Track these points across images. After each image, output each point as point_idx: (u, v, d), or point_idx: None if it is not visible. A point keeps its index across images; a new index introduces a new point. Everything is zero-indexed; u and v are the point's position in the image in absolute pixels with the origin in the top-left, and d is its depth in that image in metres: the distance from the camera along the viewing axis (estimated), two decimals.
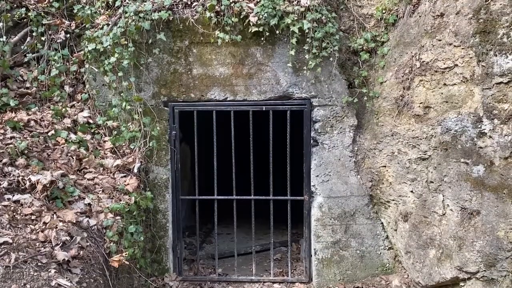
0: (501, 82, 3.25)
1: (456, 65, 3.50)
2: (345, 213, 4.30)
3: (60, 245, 2.77)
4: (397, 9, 4.24)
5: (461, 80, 3.48)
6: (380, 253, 4.33)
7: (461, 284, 3.51)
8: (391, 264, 4.33)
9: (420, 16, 3.88)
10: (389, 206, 4.17)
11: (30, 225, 2.85)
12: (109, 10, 4.25)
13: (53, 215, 2.99)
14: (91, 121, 4.14)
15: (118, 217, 3.37)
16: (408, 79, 3.88)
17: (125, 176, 3.83)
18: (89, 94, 4.23)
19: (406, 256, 3.96)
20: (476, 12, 3.35)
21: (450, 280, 3.54)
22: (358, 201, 4.29)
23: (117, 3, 4.14)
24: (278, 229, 5.99)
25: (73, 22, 4.32)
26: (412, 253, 3.87)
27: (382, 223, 4.32)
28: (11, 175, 3.15)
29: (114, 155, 3.97)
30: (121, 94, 4.10)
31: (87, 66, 4.16)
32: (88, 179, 3.61)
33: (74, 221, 3.02)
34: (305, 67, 4.12)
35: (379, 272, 4.33)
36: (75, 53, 4.28)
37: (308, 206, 4.31)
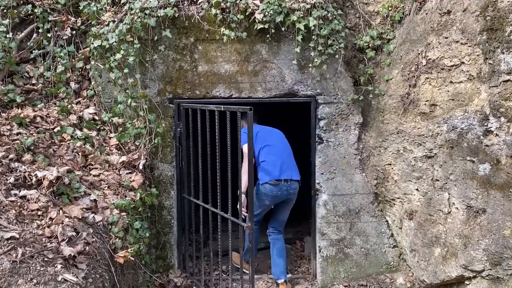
0: (508, 80, 3.23)
1: (463, 62, 3.48)
2: (350, 211, 4.29)
3: (66, 240, 2.78)
4: (403, 7, 4.23)
5: (468, 78, 3.47)
6: (385, 251, 4.33)
7: (466, 282, 3.50)
8: (395, 262, 4.32)
9: (426, 14, 3.86)
10: (394, 204, 4.16)
11: (37, 221, 2.86)
12: (114, 6, 4.25)
13: (59, 210, 3.00)
14: (96, 117, 4.15)
15: (123, 213, 3.38)
16: (414, 76, 3.86)
17: (130, 173, 3.84)
18: (94, 91, 4.24)
19: (411, 254, 3.96)
20: (484, 9, 3.33)
21: (455, 278, 3.53)
22: (363, 199, 4.29)
23: (123, 0, 4.14)
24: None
25: (79, 18, 4.32)
26: (417, 251, 3.86)
27: (387, 221, 4.31)
28: (18, 170, 3.16)
29: (119, 152, 3.98)
30: (127, 91, 4.11)
31: (92, 62, 4.16)
32: (94, 175, 3.62)
33: (80, 217, 3.02)
34: (310, 65, 4.11)
35: (383, 270, 4.33)
36: (80, 49, 4.29)
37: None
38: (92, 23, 4.22)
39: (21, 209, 2.88)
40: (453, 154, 3.55)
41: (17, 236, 2.64)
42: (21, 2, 4.34)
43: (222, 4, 4.03)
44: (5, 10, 4.26)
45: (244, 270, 4.24)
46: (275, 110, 6.00)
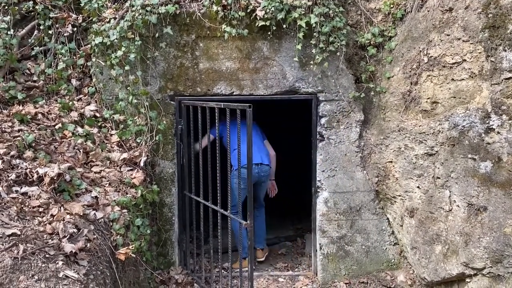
0: (510, 78, 3.22)
1: (465, 60, 3.48)
2: (351, 208, 4.29)
3: (67, 237, 2.78)
4: (405, 4, 4.21)
5: (469, 75, 3.46)
6: (386, 248, 4.33)
7: (467, 280, 3.50)
8: (396, 260, 4.32)
9: (428, 11, 3.85)
10: (395, 201, 4.16)
11: (38, 217, 2.87)
12: (116, 3, 4.24)
13: (60, 207, 3.01)
14: (97, 114, 4.15)
15: (124, 210, 3.38)
16: (416, 74, 3.86)
17: (131, 170, 3.84)
18: (96, 88, 4.24)
19: (412, 252, 3.96)
20: (486, 7, 3.32)
21: (456, 276, 3.53)
22: (364, 197, 4.28)
23: None
24: (284, 224, 6.03)
25: (80, 15, 4.32)
26: (418, 248, 3.86)
27: (388, 218, 4.31)
28: (19, 167, 3.17)
29: (120, 149, 3.98)
30: (128, 88, 4.10)
31: (94, 59, 4.16)
32: (95, 172, 3.62)
33: (81, 214, 3.03)
34: (312, 62, 4.10)
35: (384, 268, 4.33)
36: (82, 46, 4.29)
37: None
38: (93, 20, 4.21)
39: (22, 205, 2.88)
40: (454, 152, 3.55)
41: (19, 232, 2.65)
42: None
43: (224, 1, 4.02)
44: (6, 7, 4.25)
45: (243, 268, 4.26)
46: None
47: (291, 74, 4.19)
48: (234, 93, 4.23)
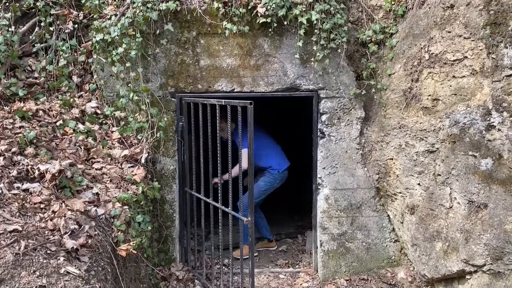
0: (511, 75, 3.21)
1: (466, 57, 3.47)
2: (352, 205, 4.30)
3: (68, 233, 2.79)
4: (406, 1, 4.20)
5: (471, 73, 3.46)
6: (386, 245, 4.34)
7: (467, 277, 3.51)
8: (397, 257, 4.33)
9: (429, 8, 3.84)
10: (395, 198, 4.16)
11: (39, 214, 2.88)
12: (117, 0, 4.24)
13: (61, 204, 3.02)
14: (98, 111, 4.15)
15: (125, 207, 3.38)
16: (417, 71, 3.85)
17: (132, 167, 3.85)
18: (97, 85, 4.24)
19: (412, 249, 3.96)
20: (487, 4, 3.32)
21: (456, 273, 3.54)
22: (364, 194, 4.29)
23: None
24: (284, 221, 6.04)
25: (81, 12, 4.32)
26: (418, 245, 3.86)
27: (388, 215, 4.32)
28: (20, 164, 3.18)
29: (121, 146, 3.98)
30: (129, 85, 4.11)
31: (95, 56, 4.16)
32: (96, 169, 3.63)
33: (83, 210, 3.03)
34: (312, 59, 4.10)
35: (385, 265, 4.34)
36: (83, 43, 4.29)
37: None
38: (94, 16, 4.22)
39: (24, 202, 2.89)
40: (455, 149, 3.55)
41: (20, 228, 2.66)
42: None
43: None
44: (7, 4, 4.25)
45: (244, 257, 4.28)
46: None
47: (292, 71, 4.19)
48: (235, 90, 4.23)
